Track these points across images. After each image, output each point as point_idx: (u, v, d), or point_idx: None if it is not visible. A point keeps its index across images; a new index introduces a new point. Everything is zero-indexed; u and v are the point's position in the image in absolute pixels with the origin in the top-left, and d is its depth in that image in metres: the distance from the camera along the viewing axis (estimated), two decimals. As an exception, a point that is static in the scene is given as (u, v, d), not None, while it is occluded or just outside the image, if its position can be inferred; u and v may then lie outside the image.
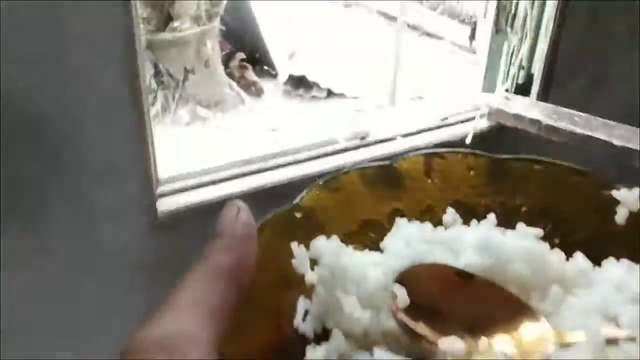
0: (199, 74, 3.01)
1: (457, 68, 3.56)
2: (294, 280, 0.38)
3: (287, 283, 0.39)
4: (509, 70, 1.46)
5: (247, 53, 3.31)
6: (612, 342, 0.34)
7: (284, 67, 3.45)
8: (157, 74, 2.92)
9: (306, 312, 0.38)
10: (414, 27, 3.99)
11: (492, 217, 0.41)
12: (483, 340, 0.36)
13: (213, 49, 3.02)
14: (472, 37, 1.83)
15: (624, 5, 1.39)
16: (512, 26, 1.41)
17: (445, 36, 3.89)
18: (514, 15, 1.39)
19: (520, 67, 1.43)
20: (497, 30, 1.44)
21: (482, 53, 1.54)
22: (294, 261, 0.38)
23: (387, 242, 0.41)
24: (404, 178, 0.43)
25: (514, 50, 1.43)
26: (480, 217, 0.41)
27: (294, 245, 0.39)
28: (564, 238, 0.40)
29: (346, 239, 0.40)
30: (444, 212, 0.41)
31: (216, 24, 3.00)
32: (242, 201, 0.34)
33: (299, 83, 3.25)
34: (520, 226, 0.40)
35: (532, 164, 0.43)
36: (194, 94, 3.05)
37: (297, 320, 0.38)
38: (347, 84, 3.26)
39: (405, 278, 0.38)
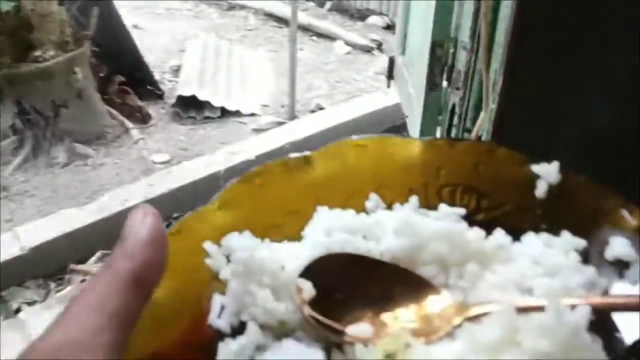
0: (72, 106, 2.78)
1: (359, 70, 3.51)
2: (212, 278, 0.39)
3: (205, 281, 0.39)
4: (449, 132, 1.24)
5: (126, 74, 3.05)
6: (523, 311, 0.35)
7: (170, 86, 3.29)
8: (22, 112, 2.65)
9: (223, 308, 0.38)
10: (306, 28, 3.90)
11: (414, 199, 0.42)
12: (391, 322, 0.37)
13: (85, 77, 2.75)
14: (390, 75, 1.70)
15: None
16: (449, 80, 1.21)
17: (341, 35, 3.82)
18: (451, 68, 1.20)
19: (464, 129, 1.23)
20: (432, 86, 1.27)
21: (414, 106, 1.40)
22: (207, 260, 0.39)
23: (308, 231, 0.41)
24: (327, 167, 0.43)
25: (454, 108, 1.20)
26: (404, 200, 0.42)
27: (207, 244, 0.39)
28: (486, 215, 0.41)
29: (269, 232, 0.40)
30: (367, 198, 0.42)
31: (86, 48, 2.77)
32: (149, 205, 0.34)
33: (189, 104, 3.05)
34: (443, 207, 0.41)
35: (454, 143, 0.44)
36: (70, 130, 2.81)
37: (212, 317, 0.38)
38: (242, 100, 3.15)
39: (314, 269, 0.38)
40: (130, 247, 0.32)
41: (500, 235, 0.41)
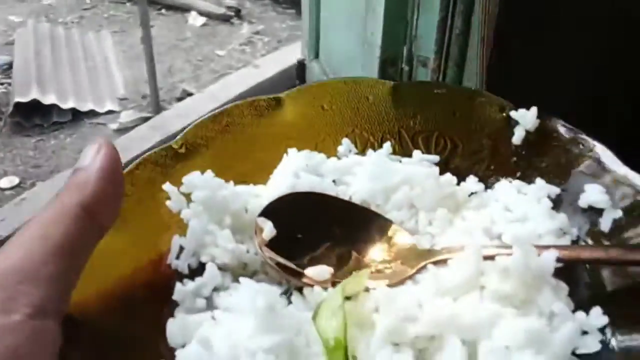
0: None
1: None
2: (172, 218, 0.38)
3: (166, 222, 0.38)
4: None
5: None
6: (490, 257, 0.34)
7: (3, 90, 2.49)
8: None
9: (182, 249, 0.37)
10: (152, 1, 3.04)
11: (387, 145, 0.41)
12: (353, 264, 0.36)
13: None
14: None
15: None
16: None
17: (193, 5, 3.16)
18: None
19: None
20: None
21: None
22: (168, 202, 0.38)
23: (276, 173, 0.40)
24: (298, 110, 0.42)
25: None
26: (377, 146, 0.41)
27: (167, 185, 0.38)
28: (461, 162, 0.41)
29: (235, 174, 0.39)
30: (340, 143, 0.41)
31: None
32: (107, 138, 0.34)
33: (31, 110, 2.39)
34: (416, 153, 0.41)
35: (433, 88, 0.43)
36: None
37: (171, 258, 0.37)
38: (95, 97, 2.50)
39: (276, 208, 0.37)
40: (82, 178, 0.31)
41: (472, 182, 0.40)
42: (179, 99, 2.52)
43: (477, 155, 0.41)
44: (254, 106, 0.43)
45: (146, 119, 2.36)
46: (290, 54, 1.77)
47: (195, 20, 3.19)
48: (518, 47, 0.73)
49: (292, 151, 0.41)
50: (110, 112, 2.47)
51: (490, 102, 0.42)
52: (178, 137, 0.41)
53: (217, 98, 2.40)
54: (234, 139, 0.42)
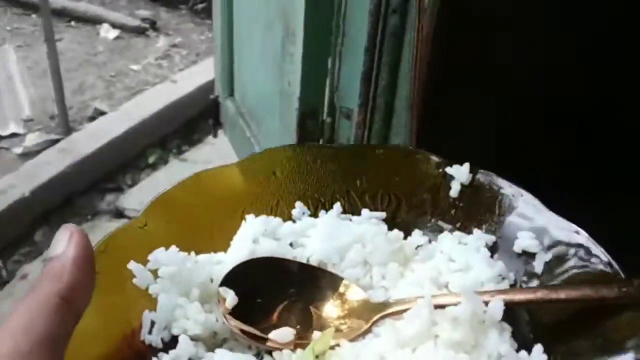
0: None
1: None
2: (141, 294, 0.39)
3: (134, 298, 0.39)
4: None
5: None
6: (440, 306, 0.37)
7: None
8: None
9: (153, 324, 0.38)
10: (61, 13, 2.90)
11: (337, 206, 0.44)
12: (315, 323, 0.38)
13: None
14: (217, 122, 1.54)
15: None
16: None
17: (106, 17, 2.96)
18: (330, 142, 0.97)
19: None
20: None
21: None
22: (134, 280, 0.39)
23: (236, 239, 0.42)
24: (252, 178, 0.44)
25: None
26: (328, 207, 0.44)
27: (132, 264, 0.39)
28: (406, 216, 0.44)
29: (197, 244, 0.41)
30: (294, 206, 0.43)
31: None
32: (74, 225, 0.34)
33: None
34: (365, 212, 0.43)
35: (373, 150, 0.47)
36: None
37: (144, 333, 0.38)
38: None
39: (237, 276, 0.39)
40: (57, 268, 0.32)
41: (417, 235, 0.44)
42: (91, 119, 2.34)
43: (420, 209, 0.45)
44: (208, 177, 0.45)
45: (54, 142, 2.18)
46: (210, 69, 1.66)
47: (107, 32, 3.00)
48: (448, 100, 0.78)
49: (249, 217, 0.43)
50: (14, 134, 2.23)
51: (427, 159, 0.46)
52: (140, 213, 0.42)
53: (132, 117, 2.27)
54: (193, 210, 0.43)
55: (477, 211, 0.44)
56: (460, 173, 0.44)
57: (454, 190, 0.44)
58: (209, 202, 0.44)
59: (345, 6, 0.87)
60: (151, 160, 2.21)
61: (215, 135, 1.61)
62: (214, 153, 2.04)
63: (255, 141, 1.32)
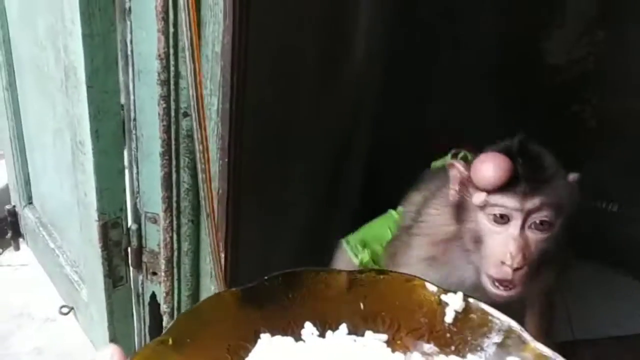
0: None
1: None
2: None
3: None
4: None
5: None
6: None
7: None
8: None
9: None
10: None
11: (343, 327, 0.45)
12: None
13: None
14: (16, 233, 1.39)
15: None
16: (138, 265, 0.96)
17: None
18: (139, 249, 0.94)
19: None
20: (115, 281, 0.98)
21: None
22: None
23: (251, 358, 0.42)
24: (267, 299, 0.46)
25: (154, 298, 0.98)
26: (335, 327, 0.45)
27: None
28: (406, 338, 0.45)
29: None
30: (303, 327, 0.45)
31: None
32: (115, 345, 0.37)
33: None
34: (368, 333, 0.45)
35: (377, 275, 0.48)
36: None
37: None
38: None
39: None
40: None
41: (417, 358, 0.44)
42: None
43: (418, 332, 0.46)
44: (222, 301, 0.45)
45: None
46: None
47: None
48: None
49: (264, 336, 0.43)
50: None
51: (423, 286, 0.47)
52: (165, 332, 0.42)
53: None
54: (212, 332, 0.43)
55: (469, 336, 0.45)
56: (453, 300, 0.45)
57: (449, 316, 0.45)
58: (226, 325, 0.44)
59: (135, 111, 0.85)
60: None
61: (17, 248, 1.44)
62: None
63: (60, 252, 1.20)
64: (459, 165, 0.77)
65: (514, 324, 0.43)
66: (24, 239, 1.41)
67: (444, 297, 0.46)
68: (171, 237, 0.90)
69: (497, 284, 0.73)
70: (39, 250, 1.31)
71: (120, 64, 0.83)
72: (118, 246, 0.93)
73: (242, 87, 0.81)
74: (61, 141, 0.98)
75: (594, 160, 1.91)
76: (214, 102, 0.81)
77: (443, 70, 1.83)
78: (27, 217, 1.32)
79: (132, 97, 0.84)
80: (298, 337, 0.45)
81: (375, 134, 1.63)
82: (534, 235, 0.73)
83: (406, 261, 0.86)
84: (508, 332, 0.44)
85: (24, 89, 1.17)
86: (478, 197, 0.73)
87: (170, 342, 0.42)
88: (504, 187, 0.71)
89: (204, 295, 0.92)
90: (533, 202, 0.71)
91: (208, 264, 0.90)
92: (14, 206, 1.38)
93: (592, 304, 1.54)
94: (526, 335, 0.43)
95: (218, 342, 0.43)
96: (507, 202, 0.71)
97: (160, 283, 0.95)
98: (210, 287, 0.90)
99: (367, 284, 0.49)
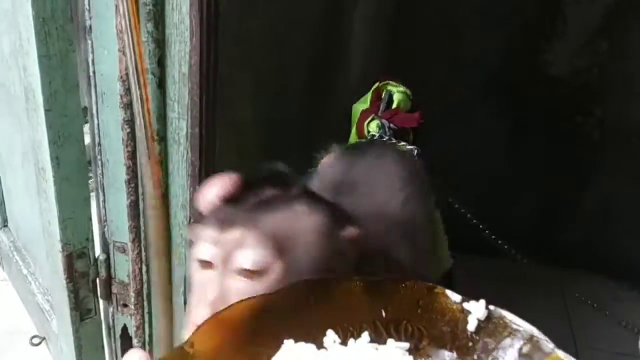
0: None
1: None
2: None
3: None
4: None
5: None
6: None
7: None
8: None
9: None
10: None
11: (365, 335, 0.45)
12: None
13: None
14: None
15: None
16: (108, 297, 0.91)
17: None
18: (108, 281, 0.89)
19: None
20: (82, 314, 0.91)
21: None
22: None
23: None
24: (289, 308, 0.45)
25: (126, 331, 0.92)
26: (357, 335, 0.45)
27: None
28: (428, 346, 0.45)
29: None
30: (325, 334, 0.44)
31: None
32: (141, 349, 0.37)
33: None
34: (390, 341, 0.44)
35: (399, 284, 0.48)
36: None
37: None
38: None
39: None
40: None
41: None
42: None
43: (440, 341, 0.45)
44: (249, 306, 0.44)
45: None
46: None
47: None
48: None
49: (288, 342, 0.43)
50: None
51: (444, 294, 0.46)
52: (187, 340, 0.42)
53: None
54: (232, 337, 0.43)
55: (492, 344, 0.44)
56: (476, 308, 0.44)
57: (471, 324, 0.44)
58: (248, 328, 0.44)
59: (100, 135, 0.79)
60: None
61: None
62: None
63: (33, 279, 1.14)
64: None
65: (536, 332, 0.42)
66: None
67: (466, 305, 0.45)
68: (140, 269, 0.84)
69: None
70: (13, 275, 1.25)
71: (82, 85, 0.77)
72: (85, 277, 0.87)
73: (212, 109, 0.76)
74: (28, 164, 0.93)
75: (598, 172, 1.86)
76: (182, 126, 0.75)
77: (442, 82, 1.79)
78: (2, 241, 1.27)
79: (95, 121, 0.78)
80: (320, 345, 0.45)
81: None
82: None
83: None
84: (530, 340, 0.42)
85: (-6, 107, 1.12)
86: None
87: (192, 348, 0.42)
88: None
89: (178, 329, 0.86)
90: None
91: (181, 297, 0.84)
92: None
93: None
94: (549, 344, 0.41)
95: (241, 347, 0.44)
96: None
97: (131, 315, 0.89)
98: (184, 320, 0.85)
99: (389, 292, 0.49)
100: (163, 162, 0.76)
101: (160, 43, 0.70)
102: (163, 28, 0.69)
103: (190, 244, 0.51)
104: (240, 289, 0.49)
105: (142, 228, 0.80)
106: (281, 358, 0.43)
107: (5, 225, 1.26)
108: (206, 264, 0.50)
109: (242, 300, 0.44)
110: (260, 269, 0.49)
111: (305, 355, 0.43)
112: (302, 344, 0.44)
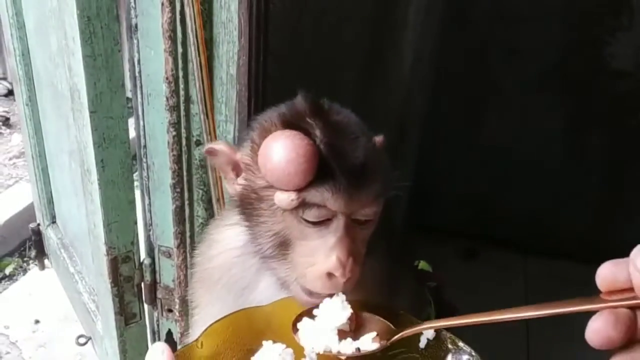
0: None
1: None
2: None
3: None
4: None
5: None
6: None
7: None
8: None
9: None
10: None
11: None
12: None
13: None
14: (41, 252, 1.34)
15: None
16: (153, 302, 0.89)
17: None
18: (153, 285, 0.87)
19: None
20: (127, 319, 0.89)
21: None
22: None
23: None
24: (283, 315, 0.49)
25: (171, 335, 0.91)
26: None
27: None
28: (393, 355, 0.50)
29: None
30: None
31: None
32: (164, 343, 0.39)
33: None
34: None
35: (397, 310, 0.51)
36: None
37: None
38: None
39: None
40: None
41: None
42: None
43: (408, 354, 0.50)
44: (248, 316, 0.49)
45: None
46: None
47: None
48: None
49: (267, 343, 0.46)
50: None
51: (408, 319, 0.50)
52: (198, 337, 0.46)
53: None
54: (237, 340, 0.48)
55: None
56: (427, 331, 0.49)
57: (422, 342, 0.50)
58: (246, 331, 0.48)
59: (145, 137, 0.77)
60: (8, 270, 1.86)
61: (42, 267, 1.39)
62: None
63: (80, 277, 1.14)
64: (225, 148, 0.52)
65: (474, 352, 0.47)
66: (48, 259, 1.36)
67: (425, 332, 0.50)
68: (185, 275, 0.81)
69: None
70: (61, 272, 1.25)
71: (129, 86, 0.75)
72: (130, 281, 0.86)
73: (261, 112, 0.72)
74: (75, 164, 0.92)
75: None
76: (229, 130, 0.72)
77: (498, 76, 1.71)
78: (50, 237, 1.27)
79: (141, 123, 0.75)
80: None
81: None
82: (360, 232, 0.50)
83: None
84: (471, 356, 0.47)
85: (43, 105, 1.11)
86: (284, 199, 0.47)
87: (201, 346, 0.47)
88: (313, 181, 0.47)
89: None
90: (359, 199, 0.48)
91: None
92: (39, 224, 1.33)
93: None
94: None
95: (241, 346, 0.48)
96: (329, 203, 0.47)
97: (176, 321, 0.87)
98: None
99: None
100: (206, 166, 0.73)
101: (207, 43, 0.66)
102: (210, 27, 0.66)
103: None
104: (364, 234, 0.51)
105: (188, 234, 0.77)
106: (259, 357, 0.47)
107: (54, 222, 1.27)
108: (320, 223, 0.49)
109: (245, 309, 0.50)
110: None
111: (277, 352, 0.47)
112: (278, 344, 0.47)
